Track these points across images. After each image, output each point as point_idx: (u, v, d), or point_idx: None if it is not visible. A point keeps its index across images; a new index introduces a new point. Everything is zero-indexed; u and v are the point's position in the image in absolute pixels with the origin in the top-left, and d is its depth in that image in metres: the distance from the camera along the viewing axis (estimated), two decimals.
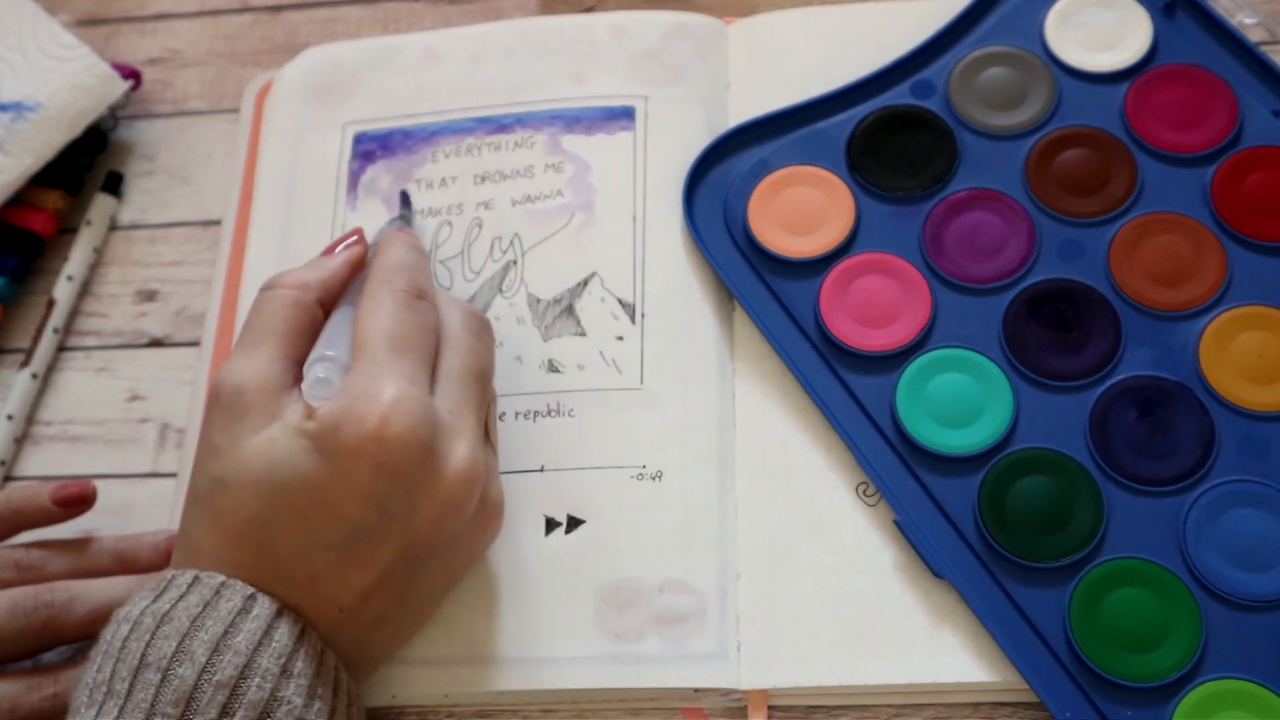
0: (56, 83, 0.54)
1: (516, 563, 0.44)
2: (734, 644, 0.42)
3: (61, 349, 0.53)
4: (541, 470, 0.46)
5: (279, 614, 0.36)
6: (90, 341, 0.53)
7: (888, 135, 0.50)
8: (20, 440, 0.51)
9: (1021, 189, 0.48)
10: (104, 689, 0.34)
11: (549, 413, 0.47)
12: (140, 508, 0.47)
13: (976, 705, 0.42)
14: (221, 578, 0.36)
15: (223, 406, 0.38)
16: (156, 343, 0.53)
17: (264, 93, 0.57)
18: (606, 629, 0.43)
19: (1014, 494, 0.43)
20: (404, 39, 0.56)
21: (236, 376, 0.38)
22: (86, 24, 0.60)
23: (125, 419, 0.51)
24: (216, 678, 0.34)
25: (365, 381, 0.37)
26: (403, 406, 0.37)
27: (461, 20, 0.59)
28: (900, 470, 0.44)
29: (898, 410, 0.45)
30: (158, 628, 0.35)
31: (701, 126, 0.52)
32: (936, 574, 0.42)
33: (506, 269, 0.50)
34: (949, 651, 0.42)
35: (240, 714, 0.34)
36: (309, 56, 0.56)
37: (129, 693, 0.34)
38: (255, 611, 0.36)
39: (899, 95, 0.51)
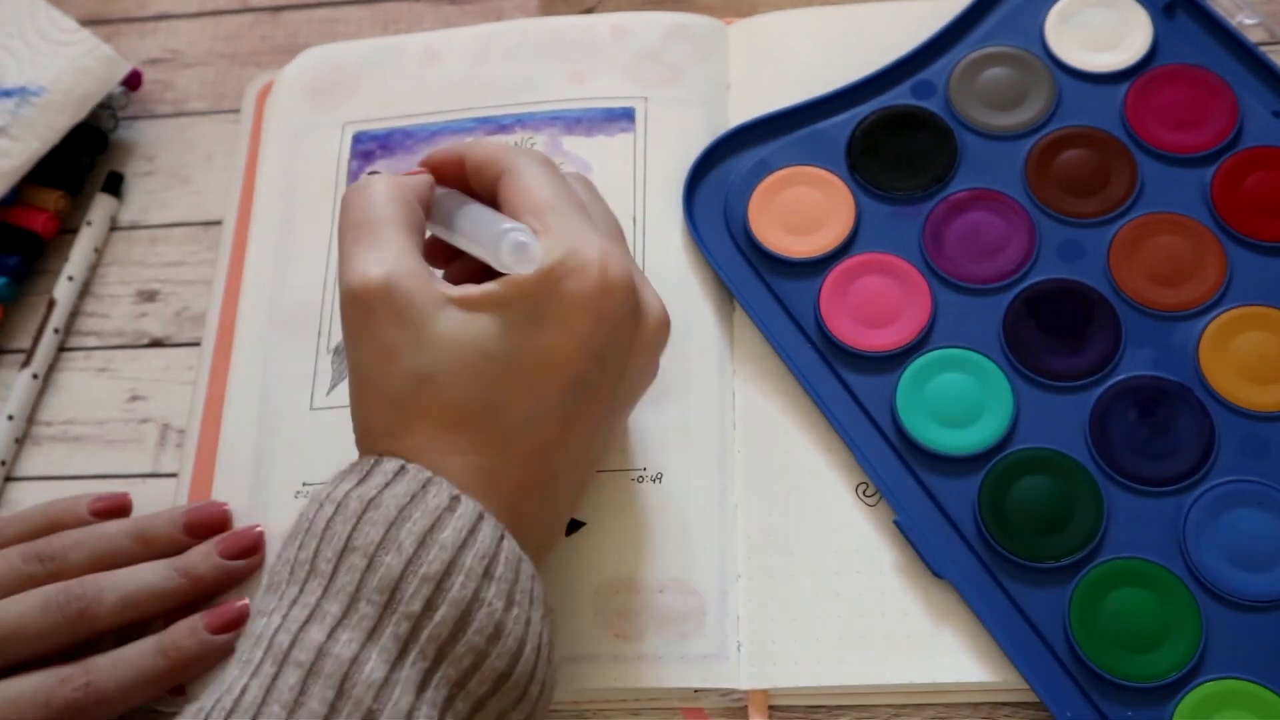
0: (59, 67, 0.54)
1: None
2: (734, 644, 0.42)
3: (62, 349, 0.53)
4: None
5: (482, 516, 0.35)
6: (91, 342, 0.53)
7: (888, 135, 0.50)
8: (21, 440, 0.51)
9: (1021, 189, 0.48)
10: (306, 567, 0.34)
11: None
12: (141, 508, 0.47)
13: (976, 705, 0.42)
14: (429, 473, 0.35)
15: (379, 305, 0.36)
16: (157, 343, 0.53)
17: (264, 93, 0.57)
18: (606, 629, 0.43)
19: (1014, 494, 0.43)
20: (404, 39, 0.56)
21: (379, 269, 0.36)
22: (87, 24, 0.60)
23: (125, 419, 0.51)
24: (423, 570, 0.34)
25: (570, 237, 0.37)
26: (612, 256, 0.37)
27: (462, 20, 0.59)
28: (900, 470, 0.44)
29: (898, 410, 0.45)
30: (364, 512, 0.35)
31: (701, 127, 0.52)
32: (936, 574, 0.42)
33: None
34: (949, 651, 0.42)
35: (443, 610, 0.34)
36: (309, 57, 0.56)
37: (333, 573, 0.34)
38: (460, 510, 0.35)
39: (899, 95, 0.51)
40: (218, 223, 0.55)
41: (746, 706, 0.42)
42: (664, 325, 0.40)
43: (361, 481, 0.36)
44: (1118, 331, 0.45)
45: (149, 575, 0.43)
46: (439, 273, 0.41)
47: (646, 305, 0.39)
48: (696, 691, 0.42)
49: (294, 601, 0.34)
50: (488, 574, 0.35)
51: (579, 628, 0.43)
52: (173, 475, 0.49)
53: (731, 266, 0.48)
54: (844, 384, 0.46)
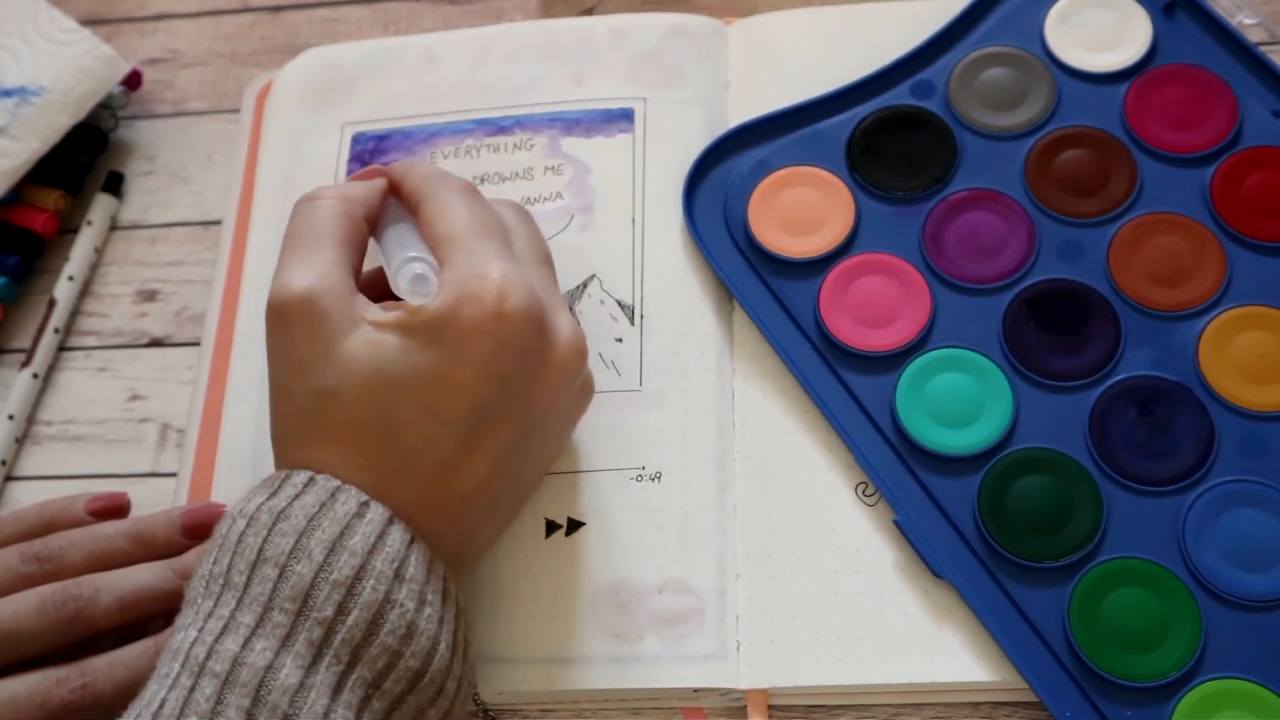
0: (59, 66, 0.54)
1: (517, 564, 0.44)
2: (733, 644, 0.42)
3: (62, 349, 0.53)
4: None
5: (391, 520, 0.36)
6: (91, 341, 0.53)
7: (888, 135, 0.50)
8: (21, 440, 0.51)
9: (1021, 189, 0.48)
10: (220, 580, 0.35)
11: None
12: (141, 508, 0.47)
13: (976, 705, 0.42)
14: (337, 482, 0.36)
15: (296, 318, 0.37)
16: (157, 343, 0.53)
17: (264, 93, 0.57)
18: (606, 629, 0.43)
19: (1014, 494, 0.43)
20: (404, 41, 0.56)
21: (302, 283, 0.37)
22: (87, 24, 0.60)
23: (125, 419, 0.51)
24: (333, 576, 0.34)
25: (470, 265, 0.38)
26: (514, 282, 0.37)
27: (462, 21, 0.59)
28: (900, 470, 0.44)
29: (898, 410, 0.45)
30: (274, 524, 0.35)
31: (701, 127, 0.52)
32: (936, 574, 0.42)
33: None
34: (949, 651, 0.42)
35: (355, 613, 0.34)
36: (309, 57, 0.56)
37: (246, 585, 0.35)
38: (369, 515, 0.36)
39: (899, 95, 0.51)
40: (217, 222, 0.55)
41: (746, 706, 0.42)
42: (575, 350, 0.40)
43: (272, 495, 0.36)
44: (1117, 331, 0.45)
45: (146, 576, 0.43)
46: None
47: (555, 331, 0.39)
48: (696, 691, 0.42)
49: (209, 614, 0.35)
50: (398, 576, 0.35)
51: (578, 628, 0.43)
52: (172, 475, 0.49)
53: (731, 266, 0.48)
54: (844, 384, 0.46)
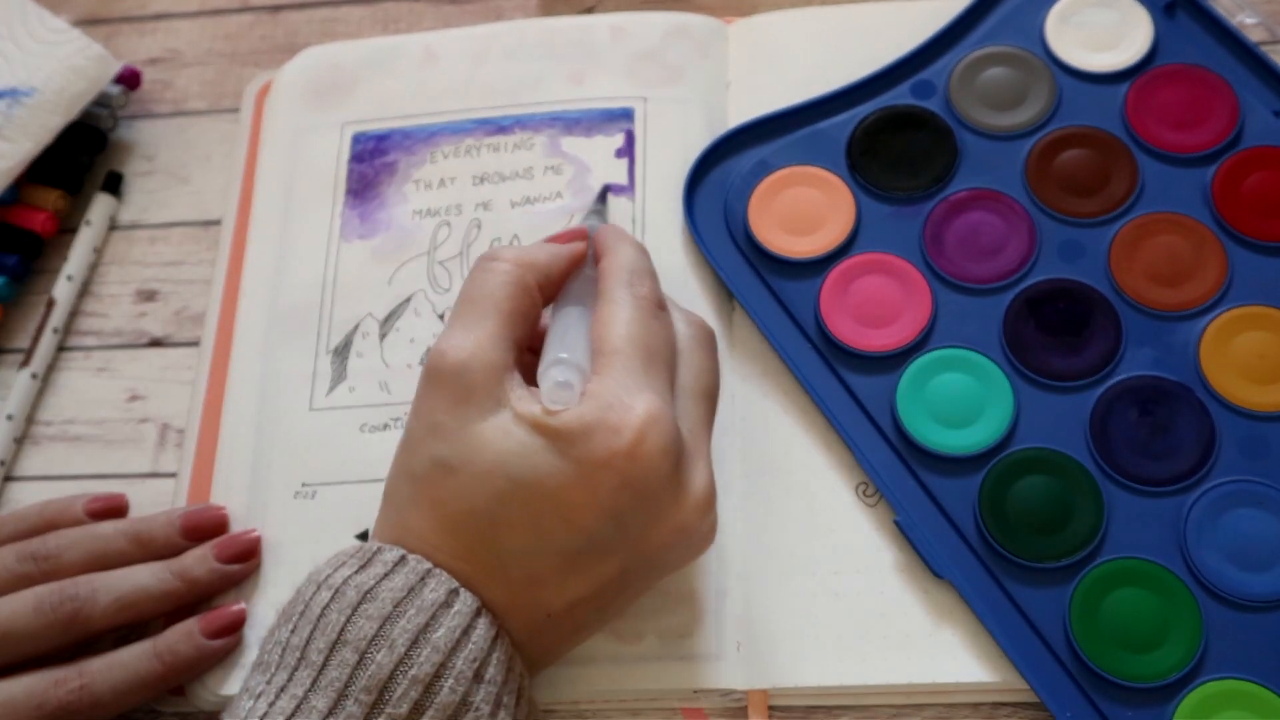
0: (50, 67, 0.54)
1: None
2: (733, 644, 0.42)
3: (61, 349, 0.53)
4: None
5: (478, 612, 0.35)
6: (90, 341, 0.53)
7: (888, 135, 0.50)
8: (20, 440, 0.51)
9: (1022, 189, 0.48)
10: (298, 653, 0.34)
11: None
12: (140, 508, 0.47)
13: (976, 705, 0.42)
14: (429, 564, 0.35)
15: (446, 382, 0.36)
16: (156, 343, 0.53)
17: (264, 93, 0.57)
18: (606, 629, 0.43)
19: (1014, 494, 0.43)
20: (403, 39, 0.56)
21: (460, 353, 0.36)
22: (86, 24, 0.60)
23: (125, 419, 0.51)
24: (413, 671, 0.33)
25: (617, 391, 0.36)
26: (657, 423, 0.35)
27: (461, 20, 0.59)
28: (900, 470, 0.44)
29: (898, 410, 0.45)
30: (359, 604, 0.34)
31: (701, 127, 0.52)
32: (936, 574, 0.42)
33: None
34: (949, 651, 0.41)
35: (430, 714, 0.33)
36: (308, 56, 0.56)
37: (323, 666, 0.34)
38: (456, 607, 0.35)
39: (899, 95, 0.51)
40: (217, 222, 0.55)
41: (746, 707, 0.42)
42: (703, 506, 0.37)
43: (361, 569, 0.35)
44: (1118, 331, 0.45)
45: (144, 577, 0.43)
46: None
47: (687, 482, 0.37)
48: (696, 692, 0.42)
49: (281, 689, 0.34)
50: (478, 676, 0.34)
51: None
52: (172, 475, 0.49)
53: (731, 266, 0.48)
54: (844, 384, 0.46)
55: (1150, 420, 0.43)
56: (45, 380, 0.52)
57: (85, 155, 0.56)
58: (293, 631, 0.35)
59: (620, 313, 0.38)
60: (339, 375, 0.49)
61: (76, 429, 0.51)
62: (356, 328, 0.50)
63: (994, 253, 0.47)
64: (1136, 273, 0.46)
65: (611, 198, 0.51)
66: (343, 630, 0.34)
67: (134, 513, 0.47)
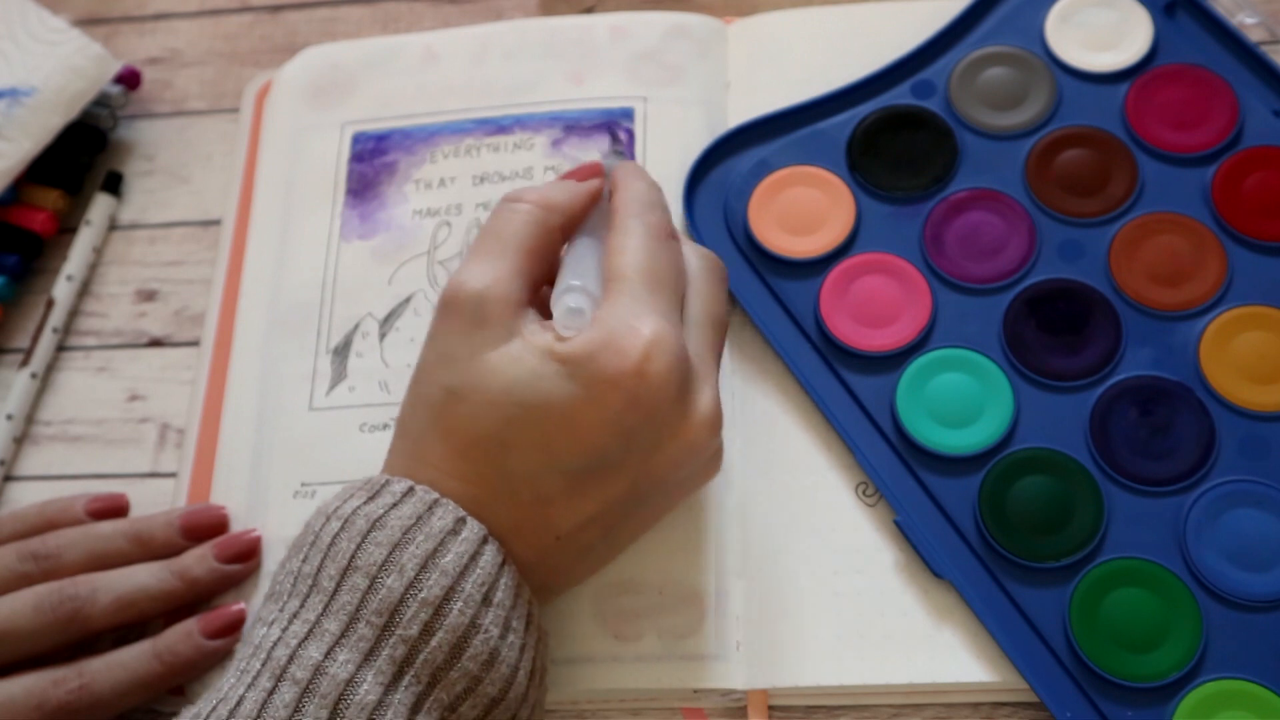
0: (50, 66, 0.54)
1: None
2: (733, 644, 0.42)
3: (61, 349, 0.53)
4: None
5: (485, 539, 0.36)
6: (90, 341, 0.53)
7: (888, 135, 0.50)
8: (20, 440, 0.51)
9: (1022, 189, 0.48)
10: (309, 581, 0.35)
11: None
12: (140, 508, 0.47)
13: (976, 705, 0.42)
14: (436, 495, 0.36)
15: (461, 312, 0.37)
16: (156, 343, 0.53)
17: (264, 92, 0.57)
18: (606, 629, 0.43)
19: (1014, 494, 0.43)
20: (403, 39, 0.56)
21: (476, 283, 0.37)
22: (86, 24, 0.60)
23: (125, 419, 0.51)
24: (422, 595, 0.34)
25: (624, 314, 0.37)
26: (663, 344, 0.36)
27: (461, 20, 0.59)
28: (900, 470, 0.44)
29: (898, 410, 0.45)
30: (369, 532, 0.35)
31: (701, 127, 0.52)
32: (936, 574, 0.42)
33: None
34: (949, 651, 0.41)
35: (440, 635, 0.34)
36: (308, 56, 0.56)
37: (335, 591, 0.35)
38: (464, 534, 0.36)
39: (899, 95, 0.51)
40: (217, 222, 0.55)
41: (746, 707, 0.42)
42: (709, 424, 0.38)
43: (370, 500, 0.36)
44: (1118, 331, 0.45)
45: (144, 577, 0.43)
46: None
47: (694, 401, 0.38)
48: (696, 692, 0.42)
49: (294, 615, 0.35)
50: (486, 600, 0.35)
51: (579, 628, 0.43)
52: (172, 475, 0.49)
53: (731, 266, 0.48)
54: (844, 384, 0.46)
55: (1150, 420, 0.43)
56: (45, 380, 0.52)
57: (85, 155, 0.56)
58: (303, 561, 0.36)
59: (630, 241, 0.39)
60: (339, 375, 0.49)
61: (76, 429, 0.51)
62: (356, 327, 0.50)
63: (994, 253, 0.47)
64: (1136, 273, 0.46)
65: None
66: (353, 557, 0.35)
67: (134, 513, 0.47)
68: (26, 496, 0.49)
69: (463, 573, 0.35)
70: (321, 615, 0.34)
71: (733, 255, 0.48)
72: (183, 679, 0.43)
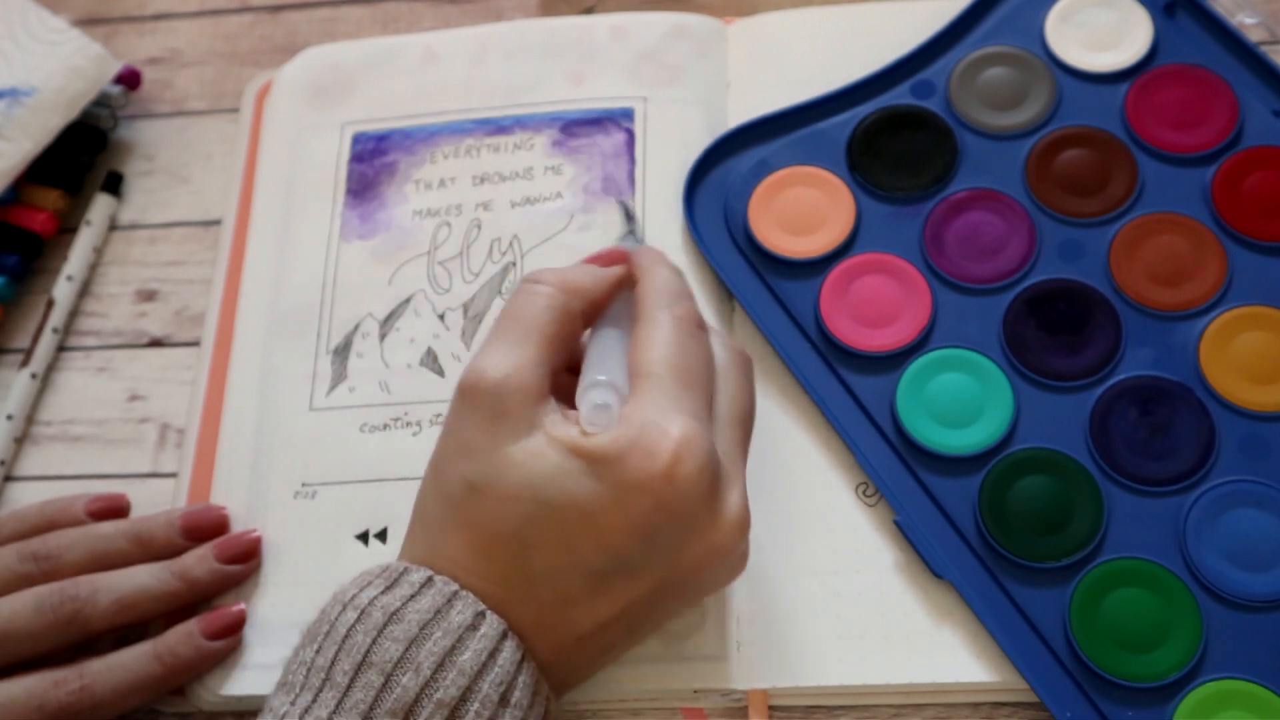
0: (50, 66, 0.54)
1: None
2: (734, 644, 0.42)
3: (61, 349, 0.53)
4: None
5: (505, 635, 0.35)
6: (90, 341, 0.53)
7: (888, 135, 0.50)
8: (20, 440, 0.51)
9: (1022, 189, 0.48)
10: (322, 674, 0.34)
11: None
12: (141, 508, 0.47)
13: (976, 705, 0.42)
14: (455, 586, 0.35)
15: (480, 403, 0.36)
16: (156, 343, 0.53)
17: (264, 92, 0.57)
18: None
19: (1014, 494, 0.43)
20: (403, 39, 0.56)
21: (496, 373, 0.36)
22: (86, 24, 0.60)
23: (125, 419, 0.51)
24: (438, 695, 0.33)
25: (653, 413, 0.35)
26: (694, 446, 0.35)
27: (461, 20, 0.58)
28: (900, 470, 0.44)
29: (898, 410, 0.45)
30: (385, 626, 0.34)
31: (701, 127, 0.52)
32: (936, 574, 0.42)
33: (506, 271, 0.50)
34: (949, 651, 0.41)
35: None
36: (308, 56, 0.56)
37: (348, 688, 0.33)
38: (483, 630, 0.35)
39: (899, 95, 0.51)
40: (217, 222, 0.55)
41: (746, 706, 0.42)
42: (737, 529, 0.37)
43: (387, 590, 0.35)
44: (1118, 331, 0.45)
45: (144, 577, 0.43)
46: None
47: (723, 505, 0.36)
48: (696, 692, 0.42)
49: (306, 710, 0.34)
50: (504, 700, 0.34)
51: None
52: (172, 475, 0.49)
53: (731, 266, 0.48)
54: (844, 384, 0.46)
55: (1150, 420, 0.43)
56: (45, 380, 0.52)
57: (85, 155, 0.56)
58: (318, 652, 0.35)
59: (658, 334, 0.38)
60: (339, 375, 0.49)
61: (76, 429, 0.51)
62: (356, 328, 0.50)
63: (994, 253, 0.47)
64: (1136, 273, 0.46)
65: (611, 199, 0.51)
66: (368, 652, 0.34)
67: (134, 513, 0.47)
68: (26, 496, 0.49)
69: (480, 671, 0.34)
70: (334, 713, 0.33)
71: (733, 255, 0.48)
72: (183, 680, 0.43)
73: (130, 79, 0.58)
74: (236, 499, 0.47)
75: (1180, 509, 0.42)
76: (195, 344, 0.52)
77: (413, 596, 0.35)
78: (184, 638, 0.42)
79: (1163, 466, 0.43)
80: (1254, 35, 0.50)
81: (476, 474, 0.36)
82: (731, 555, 0.38)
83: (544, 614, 0.36)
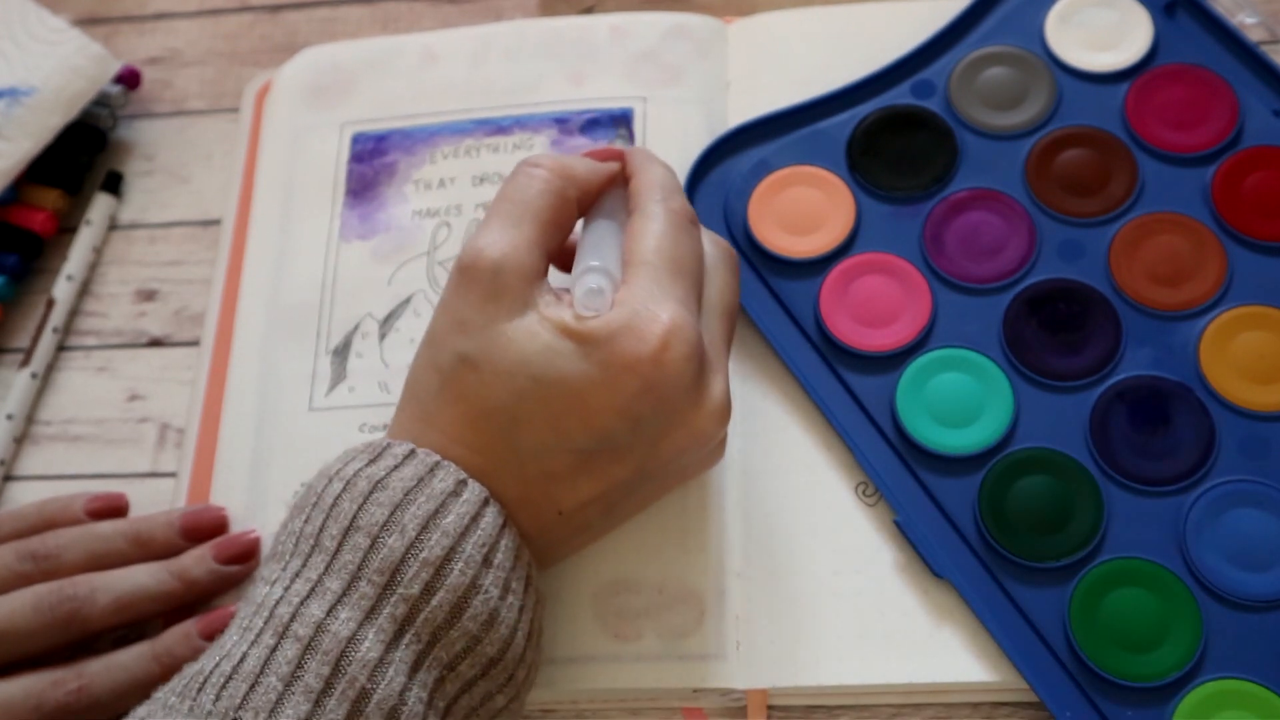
0: (50, 66, 0.54)
1: None
2: (733, 644, 0.42)
3: (61, 348, 0.53)
4: None
5: (486, 501, 0.36)
6: (90, 341, 0.53)
7: (888, 135, 0.50)
8: (20, 440, 0.51)
9: (1022, 189, 0.48)
10: (311, 541, 0.35)
11: None
12: (140, 507, 0.47)
13: (976, 705, 0.42)
14: (437, 457, 0.36)
15: (478, 280, 0.37)
16: (156, 342, 0.53)
17: (264, 92, 0.57)
18: (606, 629, 0.43)
19: (1014, 494, 0.43)
20: (403, 40, 0.56)
21: (494, 251, 0.37)
22: (86, 23, 0.60)
23: (125, 419, 0.51)
24: (423, 554, 0.35)
25: (644, 299, 0.37)
26: (682, 332, 0.36)
27: (461, 20, 0.59)
28: (900, 470, 0.44)
29: (898, 410, 0.45)
30: (371, 493, 0.36)
31: (701, 127, 0.52)
32: (936, 574, 0.42)
33: None
34: (949, 651, 0.41)
35: (441, 594, 0.35)
36: (307, 56, 0.56)
37: (337, 550, 0.35)
38: (465, 496, 0.36)
39: (899, 95, 0.51)
40: (217, 222, 0.55)
41: (746, 706, 0.42)
42: (719, 415, 0.38)
43: (372, 462, 0.37)
44: (1118, 331, 0.45)
45: (143, 577, 0.43)
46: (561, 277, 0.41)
47: (707, 391, 0.38)
48: (695, 691, 0.42)
49: (296, 574, 0.35)
50: (487, 561, 0.35)
51: (578, 628, 0.43)
52: (171, 475, 0.49)
53: None
54: (844, 384, 0.46)
55: (1150, 420, 0.43)
56: (45, 380, 0.52)
57: (85, 155, 0.56)
58: (305, 521, 0.36)
59: (652, 225, 0.39)
60: (339, 375, 0.49)
61: (76, 429, 0.51)
62: (356, 328, 0.50)
63: (994, 253, 0.47)
64: (1136, 272, 0.46)
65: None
66: (355, 517, 0.35)
67: (134, 513, 0.47)
68: (26, 496, 0.49)
69: (463, 533, 0.35)
70: (324, 574, 0.35)
71: None
72: None
73: (130, 79, 0.58)
74: (236, 499, 0.47)
75: (1180, 509, 0.42)
76: (195, 344, 0.52)
77: (396, 467, 0.36)
78: (182, 638, 0.42)
79: (1163, 466, 0.43)
80: (1254, 35, 0.50)
81: (471, 349, 0.37)
82: (711, 442, 0.39)
83: (528, 489, 0.37)
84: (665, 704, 0.43)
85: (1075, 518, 0.42)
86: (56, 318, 0.53)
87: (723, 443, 0.41)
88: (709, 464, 0.42)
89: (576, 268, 0.39)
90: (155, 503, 0.47)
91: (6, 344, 0.54)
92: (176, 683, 0.34)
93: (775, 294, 0.47)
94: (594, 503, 0.38)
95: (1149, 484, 0.42)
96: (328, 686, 0.33)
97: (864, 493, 0.45)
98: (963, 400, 0.45)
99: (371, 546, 0.35)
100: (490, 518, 0.36)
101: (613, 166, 0.42)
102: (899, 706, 0.42)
